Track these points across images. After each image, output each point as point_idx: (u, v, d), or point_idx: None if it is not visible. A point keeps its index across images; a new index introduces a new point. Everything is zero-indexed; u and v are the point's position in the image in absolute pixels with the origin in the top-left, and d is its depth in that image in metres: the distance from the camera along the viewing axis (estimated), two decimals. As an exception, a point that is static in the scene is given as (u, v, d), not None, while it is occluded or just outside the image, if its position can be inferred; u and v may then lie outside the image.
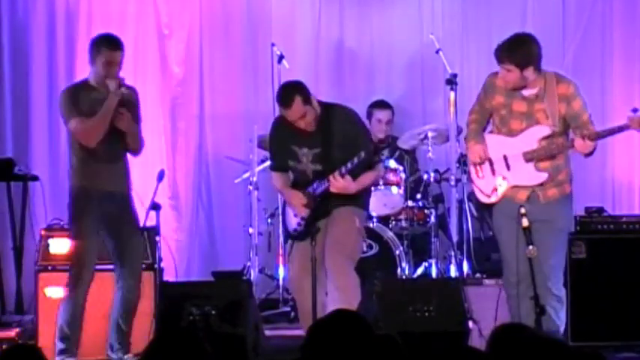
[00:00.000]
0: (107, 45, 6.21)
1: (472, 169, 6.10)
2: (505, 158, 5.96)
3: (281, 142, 6.24)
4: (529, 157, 5.89)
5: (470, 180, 6.24)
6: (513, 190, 5.94)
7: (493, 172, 6.00)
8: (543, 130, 5.88)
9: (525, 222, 5.67)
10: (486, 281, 6.93)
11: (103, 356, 6.52)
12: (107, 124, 6.14)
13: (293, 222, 6.21)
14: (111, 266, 6.53)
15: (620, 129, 5.88)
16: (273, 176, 6.41)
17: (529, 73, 5.83)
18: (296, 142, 6.16)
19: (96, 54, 6.21)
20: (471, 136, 6.09)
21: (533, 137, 5.89)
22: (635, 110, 5.78)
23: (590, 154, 5.88)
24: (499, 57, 5.87)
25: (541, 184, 5.90)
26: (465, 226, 7.66)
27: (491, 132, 6.08)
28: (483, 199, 6.08)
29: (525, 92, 5.91)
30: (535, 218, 5.75)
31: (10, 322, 7.20)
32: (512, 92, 5.93)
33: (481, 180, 6.05)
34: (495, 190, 5.96)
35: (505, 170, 5.96)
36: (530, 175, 5.91)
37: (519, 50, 5.85)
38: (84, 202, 6.23)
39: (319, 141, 6.10)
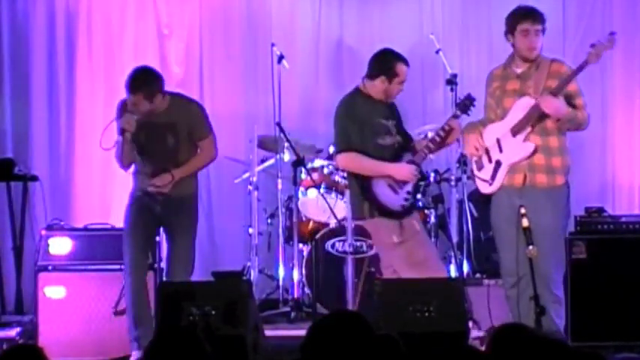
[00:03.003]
0: (127, 88, 6.28)
1: (473, 164, 6.11)
2: (498, 141, 5.97)
3: (364, 119, 6.20)
4: (515, 129, 5.89)
5: (472, 175, 6.21)
6: (510, 175, 5.93)
7: (489, 159, 6.01)
8: (526, 100, 5.87)
9: (525, 222, 5.66)
10: (486, 281, 6.93)
11: (104, 356, 6.53)
12: (124, 161, 6.35)
13: (396, 198, 6.18)
14: (112, 266, 6.58)
15: (581, 67, 5.77)
16: (350, 157, 6.17)
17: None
18: (382, 115, 6.25)
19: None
20: (464, 129, 6.15)
21: (518, 110, 5.89)
22: (592, 45, 5.72)
23: (567, 118, 5.81)
24: (537, 16, 5.92)
25: (532, 167, 5.87)
26: (465, 227, 7.65)
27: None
28: (484, 189, 6.05)
29: (517, 69, 5.96)
30: (526, 215, 5.74)
31: (10, 322, 7.19)
32: (507, 75, 5.99)
33: (480, 171, 6.05)
34: (493, 176, 5.95)
35: (498, 153, 5.96)
36: (518, 148, 5.89)
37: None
38: (132, 197, 6.42)
39: (392, 113, 6.32)
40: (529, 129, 5.86)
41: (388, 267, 6.26)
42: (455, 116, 6.32)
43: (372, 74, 6.28)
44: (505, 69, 6.04)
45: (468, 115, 6.35)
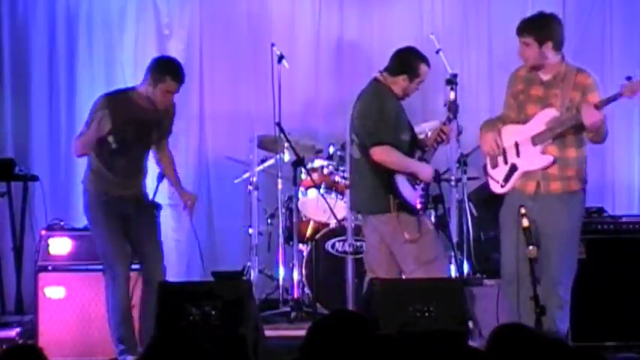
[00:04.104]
0: (173, 76, 6.27)
1: (487, 161, 6.07)
2: (516, 145, 5.94)
3: (395, 114, 6.26)
4: (536, 140, 5.86)
5: (484, 172, 6.18)
6: (522, 181, 5.92)
7: (505, 160, 5.98)
8: (551, 112, 5.85)
9: (525, 222, 5.65)
10: (486, 281, 6.93)
11: (101, 356, 6.53)
12: (88, 149, 6.31)
13: (415, 195, 6.27)
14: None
15: (614, 97, 5.77)
16: (387, 150, 6.18)
17: (548, 49, 5.84)
18: (403, 110, 6.33)
19: (159, 78, 6.27)
20: (482, 126, 6.08)
21: (541, 120, 5.86)
22: (628, 78, 5.72)
23: (598, 131, 5.79)
24: (518, 29, 5.89)
25: (546, 176, 5.87)
26: (465, 227, 7.65)
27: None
28: (496, 189, 6.03)
29: (544, 76, 5.91)
30: (538, 217, 5.74)
31: (10, 322, 7.19)
32: (531, 79, 5.93)
33: (494, 170, 6.03)
34: (507, 179, 5.94)
35: (515, 157, 5.94)
36: (536, 159, 5.87)
37: (539, 24, 5.90)
38: (98, 203, 6.35)
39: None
40: (549, 140, 5.85)
41: (387, 264, 6.26)
42: (449, 120, 6.36)
43: (394, 71, 6.33)
44: (530, 72, 5.96)
45: (456, 118, 6.41)
